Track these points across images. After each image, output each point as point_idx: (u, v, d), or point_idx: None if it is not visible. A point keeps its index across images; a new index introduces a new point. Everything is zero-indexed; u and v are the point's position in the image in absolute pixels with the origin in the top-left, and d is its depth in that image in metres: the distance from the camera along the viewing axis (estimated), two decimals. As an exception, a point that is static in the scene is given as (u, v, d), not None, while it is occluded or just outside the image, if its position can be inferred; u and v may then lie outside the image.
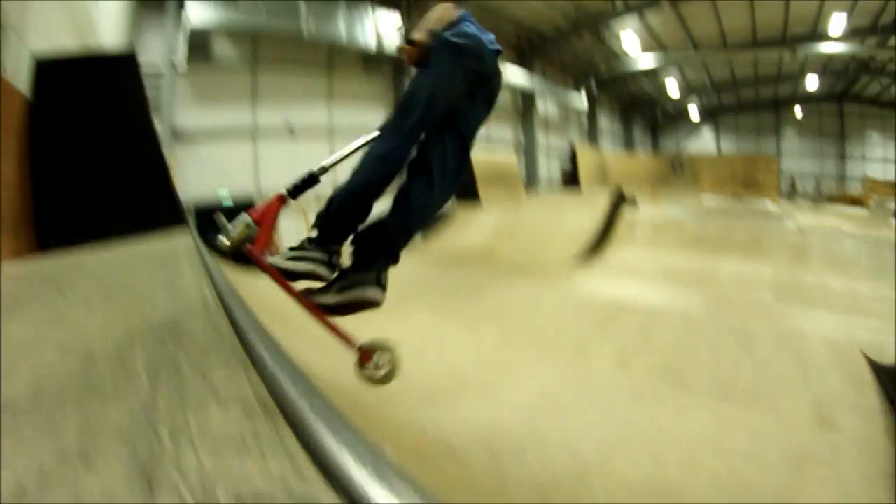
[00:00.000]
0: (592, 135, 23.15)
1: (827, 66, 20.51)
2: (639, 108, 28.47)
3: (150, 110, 4.74)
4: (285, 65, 12.26)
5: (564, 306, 4.90)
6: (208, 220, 2.16)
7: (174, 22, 10.17)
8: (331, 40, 11.88)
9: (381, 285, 1.68)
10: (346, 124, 12.82)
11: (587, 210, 8.50)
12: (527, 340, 4.07)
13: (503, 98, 16.04)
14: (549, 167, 20.22)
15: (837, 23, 15.00)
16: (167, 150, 5.36)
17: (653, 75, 22.06)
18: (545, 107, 19.92)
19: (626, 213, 8.31)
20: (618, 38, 17.50)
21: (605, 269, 6.60)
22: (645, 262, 6.62)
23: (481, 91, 1.86)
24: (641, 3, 15.19)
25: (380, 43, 12.14)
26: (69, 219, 3.92)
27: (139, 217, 4.06)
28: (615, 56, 19.41)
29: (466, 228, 10.44)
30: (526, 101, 18.62)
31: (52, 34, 4.45)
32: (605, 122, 24.91)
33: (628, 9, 15.51)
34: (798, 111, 26.12)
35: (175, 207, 4.47)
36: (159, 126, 5.11)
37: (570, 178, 19.50)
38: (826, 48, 16.50)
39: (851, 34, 15.72)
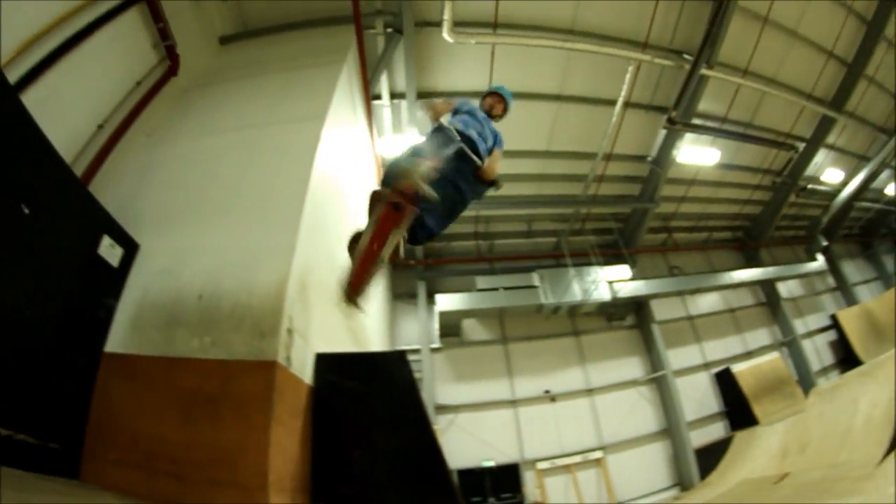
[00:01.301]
0: (847, 294, 19.25)
1: None
2: (875, 233, 22.82)
3: (422, 399, 5.20)
4: (533, 338, 13.34)
5: None
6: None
7: (427, 309, 12.72)
8: (568, 303, 12.57)
9: None
10: (601, 378, 13.22)
11: (880, 385, 6.71)
12: None
13: (744, 302, 15.98)
14: (819, 353, 17.47)
15: None
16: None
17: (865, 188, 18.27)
18: (787, 289, 17.54)
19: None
20: (817, 180, 15.96)
21: None
22: None
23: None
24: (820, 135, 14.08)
25: (613, 292, 12.73)
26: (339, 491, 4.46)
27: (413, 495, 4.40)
28: (828, 197, 16.97)
29: (749, 455, 9.71)
30: (768, 293, 16.83)
31: (332, 341, 5.34)
32: (852, 270, 20.17)
33: (813, 144, 14.24)
34: None
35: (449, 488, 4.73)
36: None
37: (844, 355, 16.82)
38: None
39: None
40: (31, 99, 4.02)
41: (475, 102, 3.69)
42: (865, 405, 6.75)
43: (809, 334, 16.79)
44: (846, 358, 16.35)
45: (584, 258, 13.69)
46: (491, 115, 3.58)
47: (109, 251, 4.00)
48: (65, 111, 4.72)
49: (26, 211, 3.18)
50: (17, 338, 3.11)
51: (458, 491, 4.51)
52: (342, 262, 4.92)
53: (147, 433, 3.51)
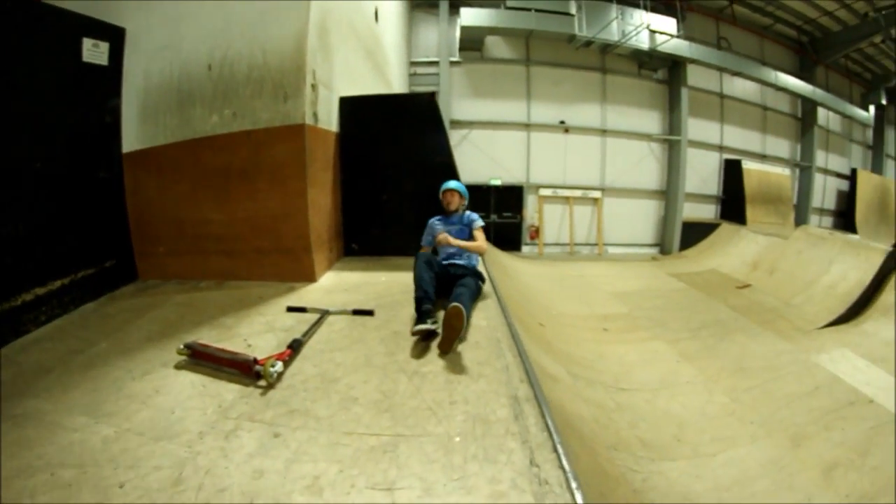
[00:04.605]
0: (878, 160, 17.67)
1: None
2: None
3: (450, 144, 4.89)
4: (557, 65, 12.33)
5: (799, 382, 4.53)
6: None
7: (448, 20, 11.56)
8: (603, 41, 11.44)
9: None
10: (617, 122, 12.60)
11: (857, 263, 6.81)
12: (750, 411, 4.06)
13: (779, 105, 14.86)
14: (825, 193, 15.67)
15: None
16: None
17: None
18: (827, 119, 15.82)
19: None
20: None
21: (858, 345, 5.36)
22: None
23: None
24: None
25: (653, 42, 11.52)
26: (369, 232, 4.86)
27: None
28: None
29: (727, 250, 10.34)
30: (806, 111, 15.01)
31: (356, 80, 5.18)
32: (893, 141, 18.03)
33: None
34: None
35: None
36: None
37: (844, 210, 15.99)
38: None
39: None
40: None
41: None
42: (837, 272, 7.17)
43: (825, 171, 15.96)
44: (844, 213, 16.09)
45: None
46: (451, 210, 3.84)
47: (94, 52, 3.48)
48: None
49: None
50: (32, 190, 3.04)
51: None
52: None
53: (188, 219, 3.82)
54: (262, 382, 2.20)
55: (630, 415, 4.07)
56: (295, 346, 2.48)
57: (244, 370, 2.27)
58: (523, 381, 2.20)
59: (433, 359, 2.47)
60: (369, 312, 3.09)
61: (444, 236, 3.46)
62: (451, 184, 3.90)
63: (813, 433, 3.71)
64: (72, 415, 1.95)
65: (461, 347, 2.58)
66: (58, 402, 2.05)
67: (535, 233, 12.28)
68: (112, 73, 3.69)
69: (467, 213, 3.89)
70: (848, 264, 7.11)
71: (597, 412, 4.02)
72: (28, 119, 3.02)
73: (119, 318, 3.12)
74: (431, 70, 11.68)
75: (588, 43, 11.57)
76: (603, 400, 4.30)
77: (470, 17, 10.65)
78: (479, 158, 11.92)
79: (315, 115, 3.87)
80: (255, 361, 2.26)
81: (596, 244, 12.66)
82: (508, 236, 12.08)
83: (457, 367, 2.37)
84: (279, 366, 2.25)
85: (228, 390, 2.18)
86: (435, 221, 3.87)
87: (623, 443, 3.58)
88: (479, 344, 2.62)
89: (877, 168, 17.74)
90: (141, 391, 2.16)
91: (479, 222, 3.79)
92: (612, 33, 11.19)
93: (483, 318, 3.04)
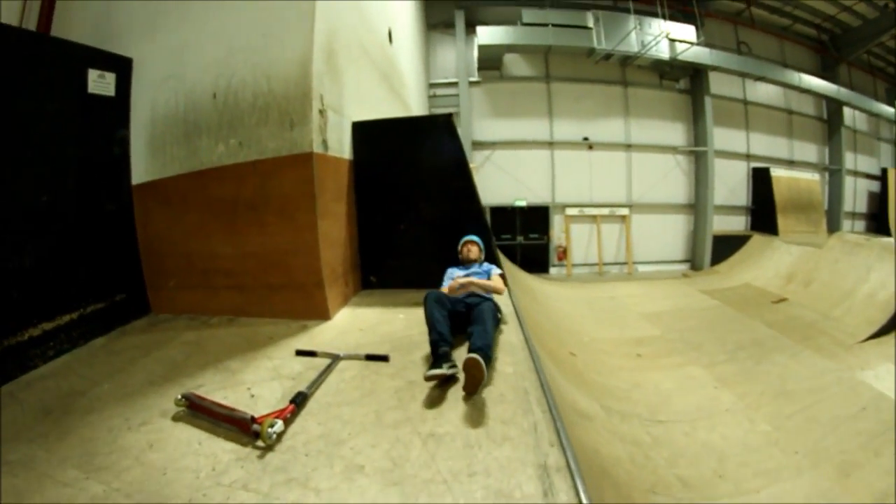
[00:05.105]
0: None
1: None
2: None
3: (469, 167, 4.66)
4: (578, 80, 12.06)
5: (844, 403, 4.34)
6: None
7: (465, 41, 11.47)
8: (622, 53, 11.17)
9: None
10: (642, 136, 12.30)
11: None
12: (794, 439, 3.87)
13: (804, 108, 14.29)
14: (856, 196, 15.26)
15: None
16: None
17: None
18: (854, 119, 15.29)
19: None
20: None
21: None
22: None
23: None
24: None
25: (674, 51, 11.23)
26: (386, 263, 4.65)
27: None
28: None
29: (760, 263, 10.01)
30: (832, 112, 14.50)
31: (369, 103, 5.02)
32: None
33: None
34: None
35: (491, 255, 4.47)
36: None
37: (877, 211, 15.53)
38: None
39: None
40: None
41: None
42: (876, 280, 6.80)
43: (855, 173, 15.28)
44: (877, 215, 15.41)
45: (647, 5, 11.33)
46: (470, 260, 3.85)
47: (100, 83, 3.44)
48: None
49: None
50: (39, 224, 3.00)
51: (499, 257, 4.89)
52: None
53: (197, 253, 3.69)
54: (261, 443, 1.98)
55: (668, 450, 3.81)
56: (298, 401, 2.25)
57: (242, 428, 2.06)
58: (553, 444, 1.91)
59: (451, 415, 2.19)
60: (384, 358, 2.84)
61: (464, 280, 3.36)
62: (472, 236, 3.94)
63: (862, 460, 3.51)
64: (64, 467, 1.87)
65: (485, 400, 2.31)
66: (52, 451, 1.99)
67: (563, 254, 11.94)
68: (119, 104, 3.63)
69: (486, 263, 3.86)
70: (887, 271, 6.80)
71: (633, 451, 3.77)
72: (34, 151, 2.97)
73: (125, 357, 3.03)
74: (451, 91, 11.61)
75: (608, 56, 11.35)
76: (639, 435, 4.05)
77: (486, 35, 10.57)
78: (503, 179, 11.74)
79: (324, 143, 3.70)
80: (253, 420, 2.04)
81: (625, 263, 12.22)
82: (535, 258, 11.81)
83: (478, 426, 2.09)
84: (279, 426, 2.02)
85: (225, 450, 1.98)
86: (454, 269, 3.79)
87: (662, 483, 3.36)
88: (505, 397, 2.33)
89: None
90: (135, 444, 2.04)
91: (498, 270, 3.73)
92: (632, 44, 10.95)
93: (509, 363, 2.76)
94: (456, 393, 2.40)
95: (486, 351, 2.49)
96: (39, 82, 3.00)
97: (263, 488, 1.73)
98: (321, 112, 3.64)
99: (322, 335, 3.40)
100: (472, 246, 3.88)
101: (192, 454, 1.96)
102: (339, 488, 1.71)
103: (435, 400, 2.34)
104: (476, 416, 2.17)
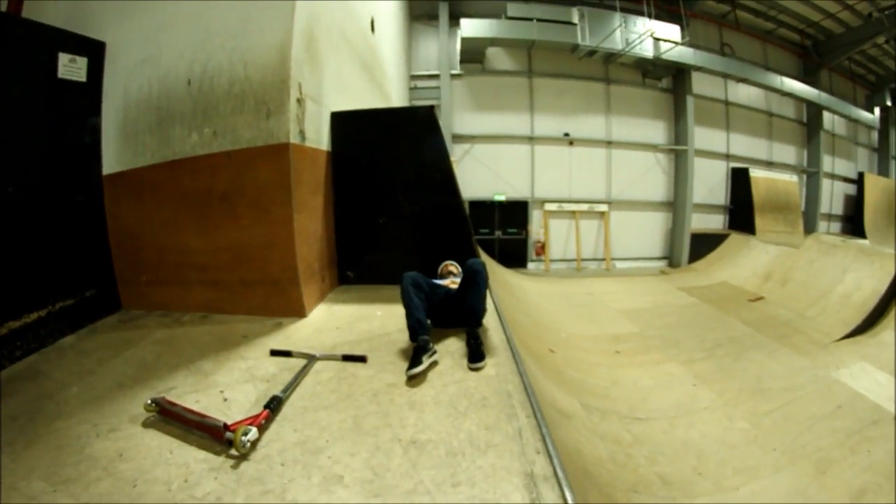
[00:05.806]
0: (884, 162, 17.66)
1: None
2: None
3: (450, 161, 4.57)
4: (560, 76, 12.10)
5: (820, 401, 4.40)
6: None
7: (448, 33, 11.39)
8: (606, 50, 11.15)
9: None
10: (623, 133, 12.36)
11: (872, 271, 6.69)
12: (772, 437, 3.91)
13: (784, 111, 14.64)
14: (833, 198, 16.26)
15: None
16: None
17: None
18: (832, 123, 15.89)
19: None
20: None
21: (876, 357, 5.28)
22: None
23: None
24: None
25: (657, 50, 11.24)
26: (364, 258, 4.53)
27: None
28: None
29: (737, 261, 10.15)
30: (811, 116, 14.98)
31: (349, 93, 4.88)
32: None
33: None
34: None
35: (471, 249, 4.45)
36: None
37: (852, 214, 16.09)
38: None
39: None
40: None
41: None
42: (851, 281, 6.97)
43: (832, 176, 15.82)
44: (852, 217, 15.91)
45: (633, 3, 11.46)
46: (450, 272, 3.79)
47: (71, 68, 3.24)
48: None
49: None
50: (4, 216, 2.82)
51: (479, 252, 4.79)
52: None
53: (170, 247, 3.52)
54: (235, 451, 1.89)
55: (648, 448, 3.85)
56: (273, 407, 2.15)
57: (214, 436, 1.96)
58: (539, 451, 1.87)
59: (432, 419, 2.13)
60: (361, 359, 2.76)
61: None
62: (453, 261, 3.97)
63: (838, 458, 3.59)
64: (30, 478, 1.77)
65: (468, 404, 2.26)
66: (18, 459, 1.88)
67: (541, 249, 11.98)
68: (91, 90, 3.42)
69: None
70: (862, 272, 6.98)
71: (614, 449, 3.80)
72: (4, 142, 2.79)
73: (94, 357, 2.88)
74: (432, 83, 11.48)
75: (591, 52, 11.37)
76: (619, 433, 4.08)
77: (470, 28, 10.44)
78: (483, 173, 11.69)
79: (302, 133, 3.57)
80: (226, 427, 1.94)
81: (603, 259, 12.32)
82: (514, 253, 11.83)
83: (461, 432, 2.03)
84: (253, 433, 1.92)
85: (197, 459, 1.87)
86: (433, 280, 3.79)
87: (643, 482, 3.38)
88: (488, 401, 2.28)
89: (883, 170, 17.54)
90: (104, 453, 1.92)
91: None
92: (616, 42, 10.98)
93: (491, 364, 2.71)
94: (437, 394, 2.35)
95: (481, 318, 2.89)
96: (5, 66, 2.80)
97: (238, 501, 1.64)
98: (299, 101, 3.51)
99: (297, 333, 3.29)
100: (454, 267, 3.85)
101: (163, 464, 1.85)
102: (318, 500, 1.64)
103: (415, 402, 2.27)
104: (459, 421, 2.11)
